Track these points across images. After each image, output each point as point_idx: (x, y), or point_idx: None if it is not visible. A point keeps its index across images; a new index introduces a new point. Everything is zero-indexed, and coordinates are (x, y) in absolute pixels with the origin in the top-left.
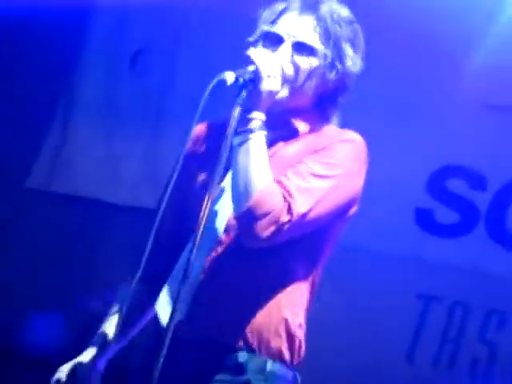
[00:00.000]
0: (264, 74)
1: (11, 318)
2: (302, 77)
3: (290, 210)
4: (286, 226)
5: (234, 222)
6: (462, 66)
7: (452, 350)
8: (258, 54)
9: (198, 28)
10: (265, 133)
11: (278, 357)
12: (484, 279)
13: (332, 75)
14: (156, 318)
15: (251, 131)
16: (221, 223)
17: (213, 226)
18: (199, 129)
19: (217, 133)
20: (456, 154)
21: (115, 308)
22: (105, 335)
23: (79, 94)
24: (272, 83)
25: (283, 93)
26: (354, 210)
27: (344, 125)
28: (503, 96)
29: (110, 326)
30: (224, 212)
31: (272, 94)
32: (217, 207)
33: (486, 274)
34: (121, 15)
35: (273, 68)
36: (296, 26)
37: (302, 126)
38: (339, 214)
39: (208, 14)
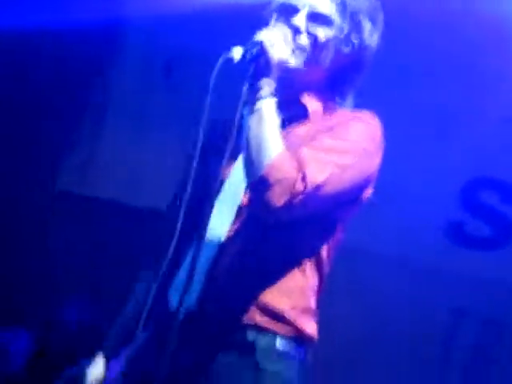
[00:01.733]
0: (269, 44)
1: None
2: (316, 47)
3: (304, 179)
4: (301, 196)
5: (245, 204)
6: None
7: (483, 365)
8: (262, 31)
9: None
10: (275, 99)
11: (287, 334)
12: None
13: (348, 49)
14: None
15: (262, 98)
16: (231, 208)
17: (223, 212)
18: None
19: (225, 127)
20: (489, 166)
21: (130, 307)
22: (119, 334)
23: (112, 101)
24: (279, 51)
25: (298, 63)
26: (368, 193)
27: None
28: None
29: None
30: (235, 196)
31: (281, 62)
32: (225, 195)
33: None
34: (154, 24)
35: (277, 37)
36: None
37: (314, 104)
38: (354, 194)
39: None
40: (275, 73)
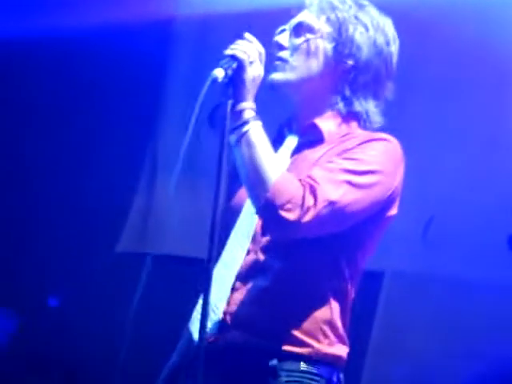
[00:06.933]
0: (245, 59)
1: None
2: (297, 52)
3: (314, 194)
4: (313, 211)
5: (259, 230)
6: None
7: None
8: (237, 45)
9: None
10: (260, 123)
11: (312, 357)
12: None
13: (331, 46)
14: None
15: (246, 122)
16: (246, 235)
17: (238, 238)
18: None
19: None
20: None
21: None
22: None
23: (162, 152)
24: (253, 68)
25: (286, 75)
26: (392, 212)
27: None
28: None
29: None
30: (249, 225)
31: (255, 79)
32: (240, 220)
33: None
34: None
35: (251, 51)
36: (297, 17)
37: (327, 125)
38: (375, 213)
39: None
40: (251, 91)
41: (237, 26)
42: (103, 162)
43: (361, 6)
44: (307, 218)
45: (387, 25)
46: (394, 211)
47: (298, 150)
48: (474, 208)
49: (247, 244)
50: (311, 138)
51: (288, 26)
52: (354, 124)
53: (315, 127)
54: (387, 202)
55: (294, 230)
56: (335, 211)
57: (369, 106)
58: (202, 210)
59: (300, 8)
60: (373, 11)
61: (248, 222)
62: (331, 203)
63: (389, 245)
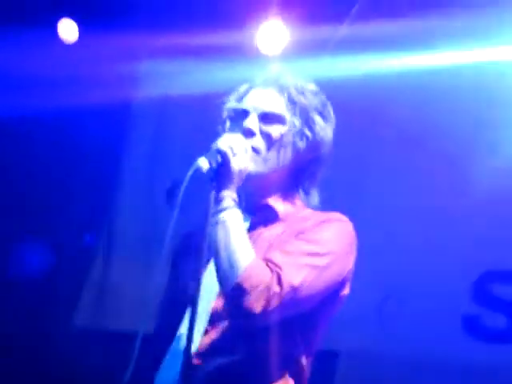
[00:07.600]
0: (229, 153)
1: None
2: (272, 145)
3: (280, 281)
4: (278, 299)
5: (219, 310)
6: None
7: None
8: (222, 138)
9: None
10: (239, 211)
11: None
12: None
13: (302, 143)
14: None
15: (225, 209)
16: (204, 315)
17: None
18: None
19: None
20: (498, 258)
21: None
22: None
23: (117, 230)
24: (239, 161)
25: (257, 167)
26: (345, 291)
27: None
28: None
29: None
30: (207, 303)
31: (241, 172)
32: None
33: None
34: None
35: (237, 146)
36: (260, 98)
37: (282, 205)
38: (330, 294)
39: None
40: (236, 181)
41: (194, 107)
42: (60, 237)
43: (314, 94)
44: (272, 305)
45: (331, 110)
46: (347, 290)
47: (252, 228)
48: (429, 289)
49: (204, 324)
50: (265, 217)
51: (251, 108)
52: (300, 203)
53: (269, 207)
54: (342, 282)
55: (259, 319)
56: (297, 295)
57: (315, 193)
58: (155, 288)
59: (251, 80)
60: (324, 98)
61: (206, 302)
62: (294, 289)
63: (344, 324)
